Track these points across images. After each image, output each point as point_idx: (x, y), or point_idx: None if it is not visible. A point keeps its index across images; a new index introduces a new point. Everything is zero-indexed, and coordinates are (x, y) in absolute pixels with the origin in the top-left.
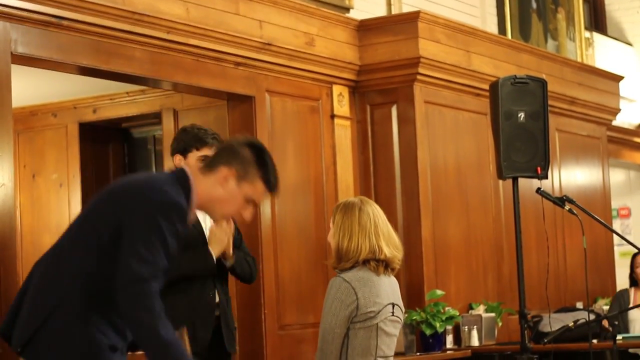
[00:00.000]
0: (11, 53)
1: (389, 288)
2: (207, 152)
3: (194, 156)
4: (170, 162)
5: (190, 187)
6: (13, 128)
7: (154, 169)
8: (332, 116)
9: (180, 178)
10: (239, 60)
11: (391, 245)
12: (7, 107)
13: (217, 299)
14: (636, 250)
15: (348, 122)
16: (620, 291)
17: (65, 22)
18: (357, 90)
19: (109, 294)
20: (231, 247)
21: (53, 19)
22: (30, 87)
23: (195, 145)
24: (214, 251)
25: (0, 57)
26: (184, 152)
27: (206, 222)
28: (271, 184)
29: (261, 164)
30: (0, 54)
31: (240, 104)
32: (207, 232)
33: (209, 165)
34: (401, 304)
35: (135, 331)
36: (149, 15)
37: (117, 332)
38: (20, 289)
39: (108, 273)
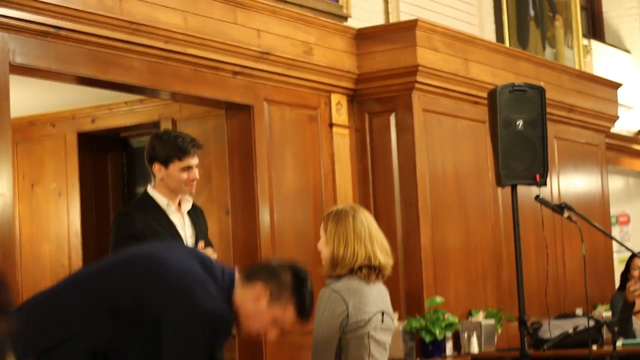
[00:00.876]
0: (9, 63)
1: (377, 296)
2: (190, 161)
3: (176, 167)
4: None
5: (232, 295)
6: (12, 138)
7: (152, 178)
8: (331, 125)
9: (228, 282)
10: (237, 69)
11: (384, 252)
12: (6, 117)
13: None
14: (631, 255)
15: (346, 131)
16: (615, 295)
17: (63, 32)
18: (355, 99)
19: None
20: None
21: (51, 29)
22: (28, 97)
23: (178, 155)
24: None
25: None
26: (166, 162)
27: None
28: (304, 312)
29: (298, 291)
30: None
31: (239, 113)
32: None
33: (248, 277)
34: (391, 311)
35: None
36: (147, 25)
37: None
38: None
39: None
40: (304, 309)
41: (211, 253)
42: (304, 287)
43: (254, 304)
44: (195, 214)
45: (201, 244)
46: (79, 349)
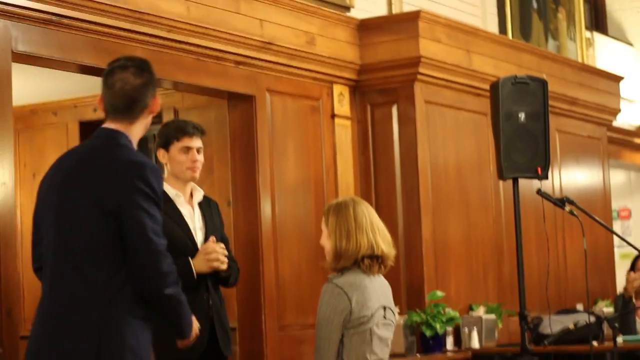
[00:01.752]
0: (12, 51)
1: (379, 291)
2: (189, 142)
3: (176, 148)
4: None
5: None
6: (13, 127)
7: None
8: (333, 116)
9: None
10: (240, 59)
11: (386, 242)
12: (8, 105)
13: (211, 302)
14: (637, 253)
15: (348, 122)
16: (619, 296)
17: (65, 21)
18: (357, 90)
19: None
20: (225, 263)
21: (54, 17)
22: (30, 86)
23: (176, 135)
24: (197, 267)
25: (1, 56)
26: (166, 145)
27: (195, 223)
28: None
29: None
30: (0, 52)
31: (241, 103)
32: (196, 237)
33: (124, 116)
34: (393, 306)
35: None
36: (149, 14)
37: None
38: None
39: None
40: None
41: (221, 249)
42: (148, 66)
43: (150, 114)
44: (209, 208)
45: (212, 238)
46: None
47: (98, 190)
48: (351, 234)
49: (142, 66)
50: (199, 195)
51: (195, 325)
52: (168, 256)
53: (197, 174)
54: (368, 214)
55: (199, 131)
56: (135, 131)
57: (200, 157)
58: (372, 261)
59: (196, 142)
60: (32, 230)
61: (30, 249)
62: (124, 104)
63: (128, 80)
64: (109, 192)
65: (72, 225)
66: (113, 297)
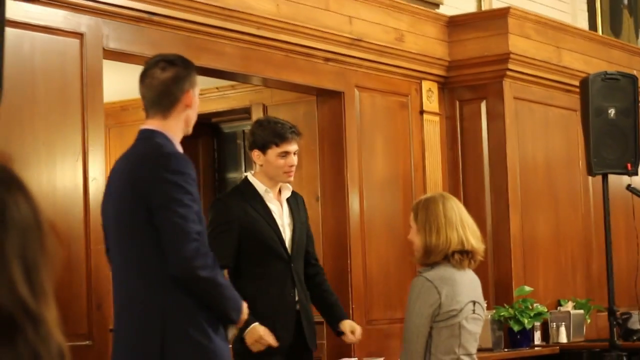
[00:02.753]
0: (103, 48)
1: (469, 285)
2: (287, 147)
3: (274, 152)
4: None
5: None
6: (104, 123)
7: (242, 164)
8: (421, 112)
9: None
10: (329, 55)
11: (475, 236)
12: (99, 102)
13: (297, 297)
14: None
15: (437, 118)
16: None
17: (156, 18)
18: (446, 86)
19: None
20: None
21: (144, 15)
22: (121, 82)
23: (274, 141)
24: (248, 335)
25: (93, 53)
26: (263, 148)
27: (283, 220)
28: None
29: (184, 64)
30: (92, 49)
31: (330, 100)
32: (284, 234)
33: (161, 112)
34: (482, 301)
35: None
36: (239, 11)
37: None
38: None
39: None
40: (188, 65)
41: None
42: (180, 61)
43: (186, 109)
44: (296, 202)
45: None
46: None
47: (132, 187)
48: (441, 229)
49: (172, 60)
50: (287, 191)
51: (245, 309)
52: (196, 240)
53: (292, 177)
54: (457, 209)
55: (297, 134)
56: (172, 127)
57: (296, 159)
58: (462, 256)
59: (294, 147)
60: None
61: None
62: (153, 98)
63: (155, 75)
64: (141, 185)
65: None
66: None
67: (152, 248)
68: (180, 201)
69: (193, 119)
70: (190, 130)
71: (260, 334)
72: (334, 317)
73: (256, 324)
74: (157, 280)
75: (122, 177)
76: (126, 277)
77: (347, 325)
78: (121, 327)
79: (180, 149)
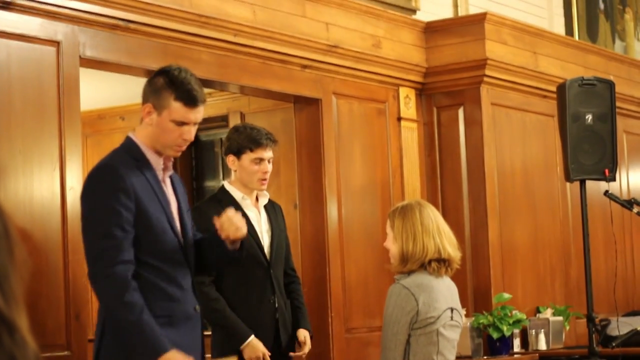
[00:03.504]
0: (79, 56)
1: (447, 292)
2: (262, 153)
3: (248, 158)
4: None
5: (132, 143)
6: (81, 131)
7: (220, 172)
8: (399, 118)
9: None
10: (306, 62)
11: (452, 244)
12: (76, 110)
13: (277, 304)
14: None
15: (415, 125)
16: None
17: (132, 26)
18: (423, 93)
19: None
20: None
21: (121, 22)
22: (98, 91)
23: (249, 146)
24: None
25: (69, 61)
26: (238, 153)
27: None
28: (186, 99)
29: (171, 84)
30: (68, 57)
31: (307, 107)
32: (263, 240)
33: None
34: (460, 307)
35: None
36: (215, 18)
37: None
38: None
39: None
40: (186, 93)
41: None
42: (177, 77)
43: (148, 124)
44: (274, 210)
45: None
46: None
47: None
48: (417, 237)
49: (163, 72)
50: (264, 198)
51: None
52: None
53: (266, 186)
54: (434, 216)
55: (272, 141)
56: (140, 131)
57: (270, 167)
58: (439, 264)
59: (268, 153)
60: None
61: None
62: None
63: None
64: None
65: None
66: None
67: None
68: (96, 212)
69: (162, 140)
70: (168, 152)
71: (259, 355)
72: (294, 320)
73: (253, 338)
74: None
75: None
76: None
77: (301, 334)
78: None
79: (151, 155)
